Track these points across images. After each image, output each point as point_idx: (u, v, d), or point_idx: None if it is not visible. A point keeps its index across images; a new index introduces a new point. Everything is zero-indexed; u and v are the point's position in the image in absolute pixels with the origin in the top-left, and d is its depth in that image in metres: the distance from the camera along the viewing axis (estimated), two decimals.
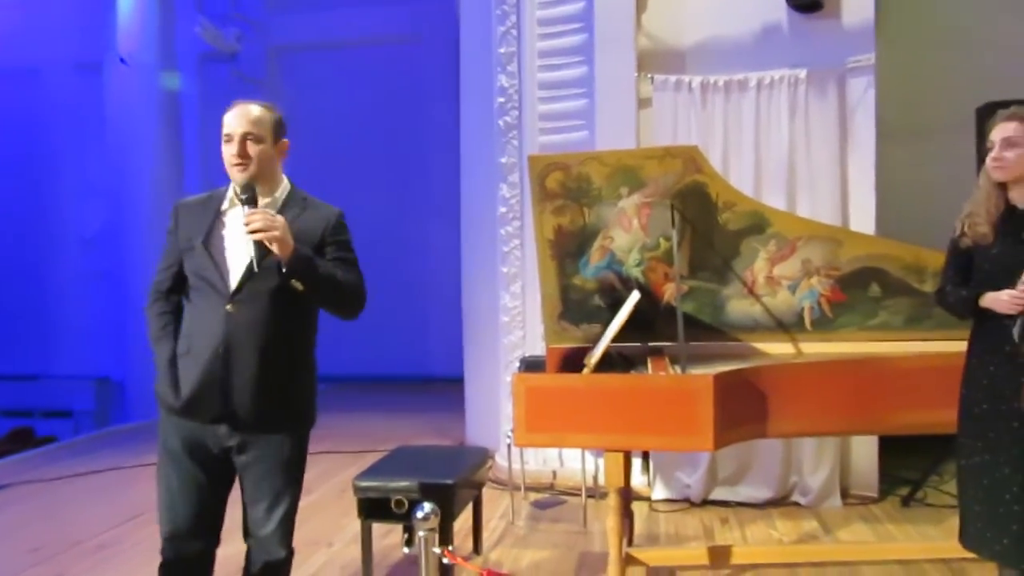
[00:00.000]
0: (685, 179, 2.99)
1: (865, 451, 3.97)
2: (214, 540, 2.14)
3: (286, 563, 2.13)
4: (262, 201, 2.03)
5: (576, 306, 3.18)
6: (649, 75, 4.06)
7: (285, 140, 2.12)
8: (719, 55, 4.05)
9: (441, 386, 7.70)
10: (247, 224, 1.92)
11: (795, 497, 3.96)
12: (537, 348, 4.19)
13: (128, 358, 8.03)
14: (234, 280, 2.02)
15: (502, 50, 4.50)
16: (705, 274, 3.11)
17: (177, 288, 2.13)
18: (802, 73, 3.87)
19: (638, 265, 3.12)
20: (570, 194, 3.07)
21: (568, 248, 3.13)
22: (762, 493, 3.96)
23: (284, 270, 1.95)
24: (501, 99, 4.51)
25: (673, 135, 3.98)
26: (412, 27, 8.90)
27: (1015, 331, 2.07)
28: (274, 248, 1.93)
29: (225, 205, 2.08)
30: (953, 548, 2.39)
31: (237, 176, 2.02)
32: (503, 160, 4.52)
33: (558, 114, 4.32)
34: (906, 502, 3.90)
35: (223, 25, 8.93)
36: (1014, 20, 4.80)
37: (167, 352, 2.08)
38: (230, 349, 2.00)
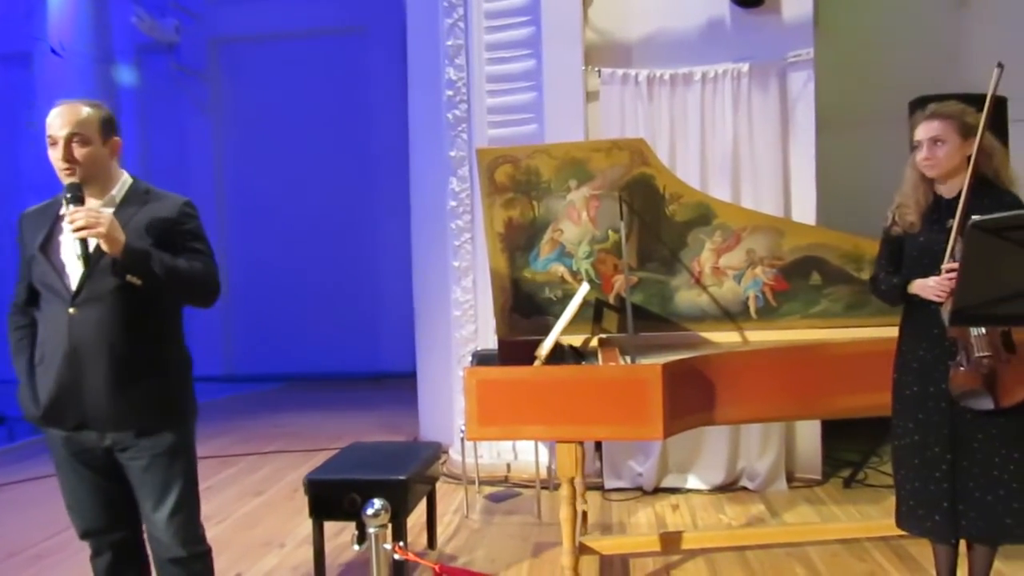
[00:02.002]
0: (632, 171, 3.03)
1: (809, 436, 4.09)
2: (133, 526, 2.14)
3: (193, 562, 2.09)
4: (96, 202, 2.00)
5: (527, 299, 3.19)
6: (596, 68, 4.09)
7: (116, 138, 2.06)
8: (665, 49, 4.11)
9: (393, 382, 7.65)
10: (71, 222, 1.88)
11: (743, 482, 4.06)
12: (490, 342, 4.19)
13: None
14: (74, 283, 1.98)
15: (449, 43, 4.48)
16: (653, 265, 3.16)
17: (32, 300, 2.09)
18: (745, 67, 3.95)
19: (588, 257, 3.15)
20: (519, 187, 3.08)
21: (518, 241, 3.14)
22: (711, 479, 4.04)
23: (115, 266, 1.92)
24: (449, 92, 4.48)
25: (621, 128, 4.01)
26: (358, 19, 8.77)
27: (944, 315, 2.15)
28: (103, 245, 1.89)
29: (63, 210, 2.00)
30: (893, 527, 2.47)
31: (66, 180, 1.97)
32: (452, 154, 4.50)
33: (507, 107, 4.32)
34: (848, 484, 4.03)
35: (161, 16, 8.65)
36: (945, 15, 4.99)
37: (24, 365, 2.07)
38: (78, 352, 1.96)
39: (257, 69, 9.01)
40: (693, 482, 4.07)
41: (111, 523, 2.10)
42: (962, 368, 2.14)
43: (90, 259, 1.93)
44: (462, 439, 3.91)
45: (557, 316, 2.97)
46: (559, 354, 2.99)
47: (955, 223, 2.13)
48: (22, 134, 8.76)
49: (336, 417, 6.43)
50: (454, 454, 4.42)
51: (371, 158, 8.72)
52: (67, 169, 1.96)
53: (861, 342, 2.88)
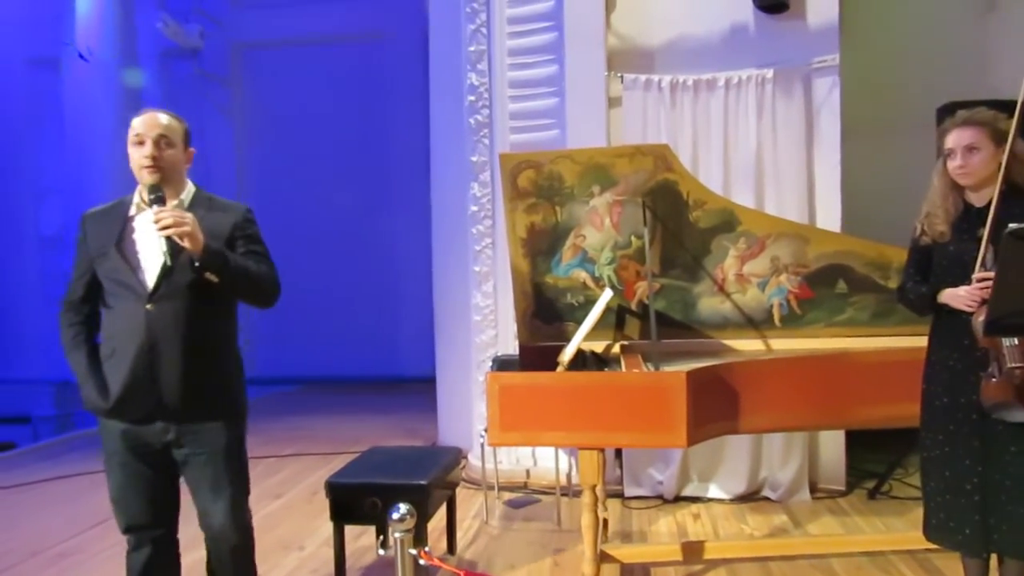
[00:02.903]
0: (656, 177, 3.01)
1: (832, 446, 4.04)
2: (172, 525, 2.23)
3: (244, 547, 2.22)
4: (169, 203, 2.10)
5: (549, 305, 3.18)
6: (619, 74, 4.07)
7: (192, 149, 2.21)
8: (688, 55, 4.09)
9: (413, 386, 7.66)
10: (157, 221, 1.98)
11: (765, 492, 4.01)
12: (509, 347, 4.19)
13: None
14: (150, 280, 2.08)
15: (472, 48, 4.49)
16: (676, 272, 3.14)
17: (89, 297, 2.20)
18: (769, 73, 3.92)
19: (610, 263, 3.14)
20: (542, 192, 3.07)
21: (540, 246, 3.13)
22: (733, 488, 4.00)
23: (196, 264, 2.01)
24: (471, 97, 4.49)
25: (643, 134, 4.00)
26: (380, 24, 8.82)
27: (975, 325, 2.12)
28: (185, 243, 1.99)
29: (133, 211, 2.14)
30: (918, 539, 2.44)
31: (147, 177, 2.08)
32: (474, 159, 4.51)
33: (529, 113, 4.32)
34: (872, 495, 3.97)
35: (185, 21, 8.77)
36: (973, 20, 4.92)
37: (84, 359, 2.16)
38: (154, 347, 2.06)
39: (279, 74, 9.10)
40: (714, 491, 4.03)
41: (153, 519, 2.18)
42: (994, 379, 2.10)
43: (174, 255, 2.02)
44: (482, 444, 3.90)
45: (579, 322, 2.96)
46: (581, 360, 2.98)
47: (986, 232, 2.10)
48: (49, 137, 8.91)
49: (355, 421, 6.45)
50: (473, 459, 4.41)
51: (392, 163, 8.76)
52: (151, 166, 2.07)
53: (887, 351, 2.84)
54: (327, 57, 8.91)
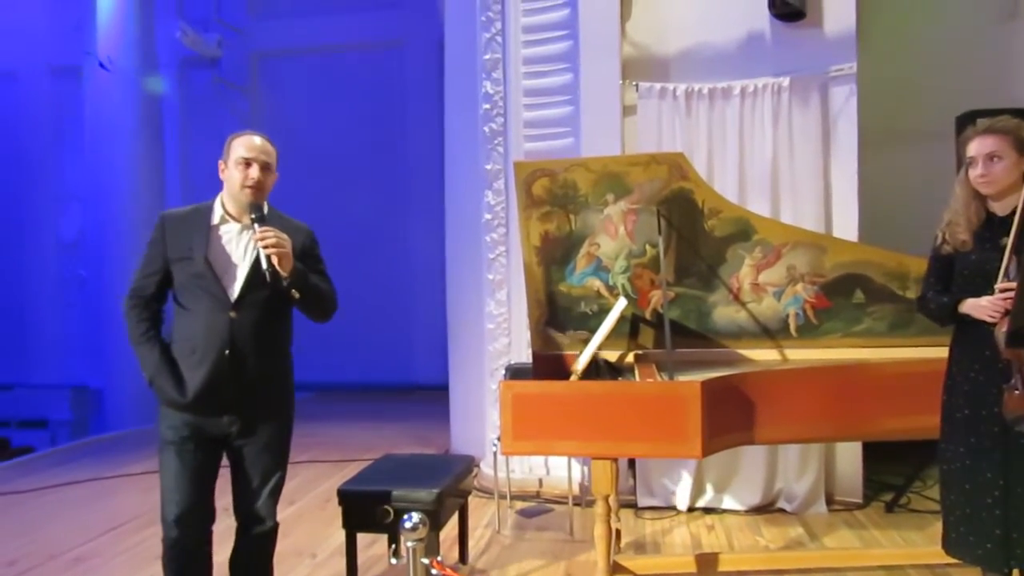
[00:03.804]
0: (671, 186, 3.00)
1: (849, 457, 3.99)
2: (212, 518, 2.38)
3: (274, 533, 2.44)
4: (246, 220, 2.29)
5: (563, 313, 3.18)
6: (634, 82, 4.07)
7: (277, 173, 2.42)
8: (703, 63, 4.07)
9: (425, 394, 7.66)
10: (261, 239, 2.18)
11: (780, 504, 3.97)
12: (522, 356, 4.18)
13: (107, 366, 7.89)
14: (235, 289, 2.28)
15: (487, 57, 4.50)
16: (691, 281, 3.12)
17: (160, 295, 2.34)
18: (785, 81, 3.89)
19: (624, 272, 3.13)
20: (556, 200, 3.07)
21: (554, 255, 3.13)
22: (748, 500, 3.96)
23: (286, 282, 2.22)
24: (486, 106, 4.50)
25: (658, 142, 3.98)
26: (395, 33, 8.88)
27: (997, 336, 2.09)
28: (279, 262, 2.19)
29: (215, 220, 2.32)
30: (937, 553, 2.40)
31: (249, 197, 2.27)
32: (488, 167, 4.51)
33: (543, 121, 4.32)
34: (890, 508, 3.92)
35: (204, 30, 8.87)
36: (994, 28, 4.87)
37: (156, 354, 2.29)
38: (235, 350, 2.26)
39: (297, 83, 9.18)
40: (729, 502, 3.99)
41: (201, 509, 2.33)
42: (1017, 391, 2.06)
43: (269, 271, 2.20)
44: (495, 453, 3.89)
45: (592, 331, 2.95)
46: (595, 369, 2.97)
47: (1010, 241, 2.07)
48: (69, 144, 9.02)
49: (368, 428, 6.46)
50: (486, 468, 4.40)
51: (407, 170, 8.80)
52: (255, 189, 2.28)
53: (905, 362, 2.81)
54: (344, 66, 8.98)
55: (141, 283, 2.33)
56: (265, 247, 2.17)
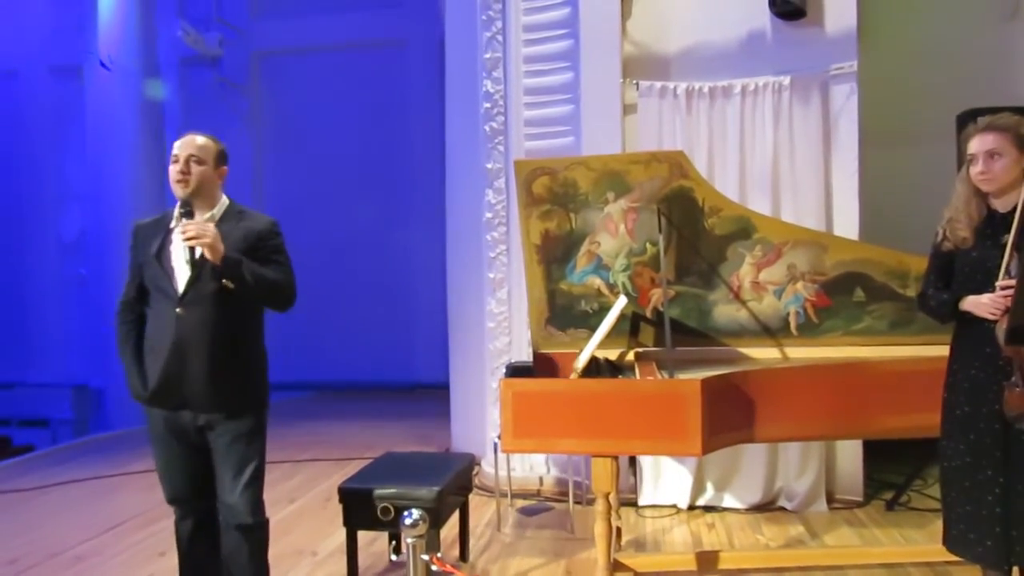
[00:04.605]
0: (671, 184, 3.01)
1: (850, 456, 3.99)
2: (211, 498, 2.44)
3: (257, 530, 2.43)
4: (201, 215, 2.37)
5: (563, 311, 3.18)
6: (634, 81, 4.07)
7: (224, 167, 2.46)
8: (703, 62, 4.07)
9: (426, 392, 7.66)
10: (183, 232, 2.26)
11: (781, 502, 3.97)
12: (523, 354, 4.18)
13: (107, 365, 7.88)
14: (181, 286, 2.35)
15: (487, 56, 4.50)
16: (691, 279, 3.12)
17: (140, 298, 2.46)
18: (786, 80, 3.89)
19: (625, 270, 3.13)
20: (557, 199, 3.07)
21: (555, 253, 3.13)
22: (748, 498, 3.96)
23: (214, 272, 2.27)
24: (487, 105, 4.50)
25: (658, 141, 3.99)
26: (396, 32, 8.88)
27: (998, 333, 2.09)
28: (206, 253, 2.25)
29: (173, 223, 2.41)
30: (937, 551, 2.40)
31: (179, 191, 2.36)
32: (489, 166, 4.51)
33: (544, 120, 4.32)
34: (890, 506, 3.92)
35: (205, 30, 8.86)
36: (995, 27, 4.87)
37: (131, 353, 2.44)
38: (182, 345, 2.32)
39: (297, 82, 9.17)
40: (729, 501, 3.99)
41: (194, 492, 2.45)
42: (1017, 389, 2.06)
43: (196, 264, 2.29)
44: (495, 451, 3.89)
45: (593, 329, 2.95)
46: (595, 367, 2.97)
47: (1011, 238, 2.07)
48: (70, 144, 9.03)
49: (369, 426, 6.46)
50: (486, 466, 4.40)
51: (408, 169, 8.80)
52: (182, 181, 2.34)
53: (906, 360, 2.81)
54: (345, 65, 8.98)
55: (125, 289, 2.49)
56: (187, 240, 2.24)
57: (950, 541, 2.27)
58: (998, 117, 2.22)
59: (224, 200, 2.47)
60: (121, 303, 2.49)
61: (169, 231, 2.41)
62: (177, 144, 2.40)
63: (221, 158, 2.45)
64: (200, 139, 2.40)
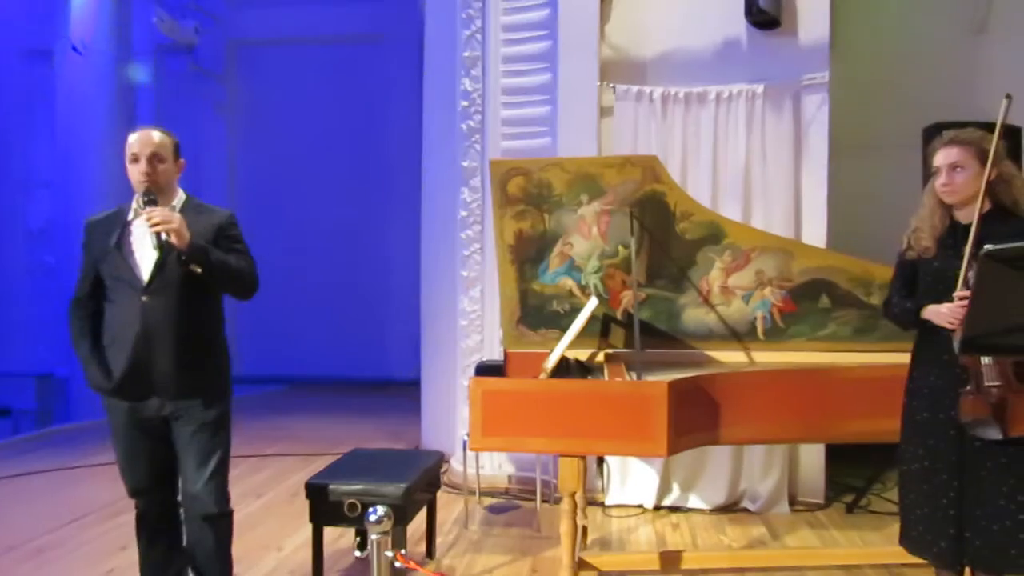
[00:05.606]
0: (644, 188, 3.04)
1: (813, 459, 4.06)
2: (172, 489, 2.49)
3: (222, 520, 2.44)
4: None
5: (535, 311, 3.20)
6: (611, 84, 4.10)
7: (182, 160, 2.49)
8: (680, 67, 4.12)
9: (397, 389, 7.64)
10: (149, 219, 2.26)
11: (744, 503, 4.03)
12: (495, 353, 4.19)
13: (73, 354, 7.75)
14: (146, 275, 2.36)
15: (466, 54, 4.50)
16: (662, 282, 3.16)
17: (93, 294, 2.46)
18: (759, 88, 3.95)
19: (597, 272, 3.16)
20: (531, 199, 3.09)
21: (528, 253, 3.15)
22: (713, 499, 4.02)
23: (182, 256, 2.29)
24: (464, 103, 4.50)
25: (633, 144, 4.02)
26: (375, 27, 8.82)
27: (955, 342, 2.15)
28: (172, 239, 2.25)
29: (131, 216, 2.43)
30: (893, 553, 2.47)
31: (142, 190, 2.36)
32: (465, 164, 4.52)
33: (521, 120, 4.34)
34: (850, 509, 4.00)
35: (181, 17, 8.73)
36: (963, 42, 4.98)
37: (87, 348, 2.44)
38: (149, 334, 2.34)
39: (274, 73, 9.08)
40: (694, 501, 4.04)
41: (156, 483, 2.47)
42: (972, 396, 2.13)
43: (163, 248, 2.29)
44: (464, 449, 3.90)
45: (564, 329, 2.97)
46: (565, 368, 2.99)
47: (967, 250, 2.13)
48: (39, 129, 8.84)
49: (338, 422, 6.43)
50: (455, 464, 4.41)
51: (384, 165, 8.76)
52: (147, 181, 2.35)
53: (869, 367, 2.87)
54: (322, 57, 8.90)
55: (79, 286, 2.49)
56: (153, 226, 2.24)
57: (907, 541, 2.33)
58: (963, 131, 2.29)
59: (181, 194, 2.49)
60: (74, 300, 2.49)
61: (128, 223, 2.41)
62: (134, 141, 2.38)
63: (178, 151, 2.47)
64: (157, 135, 2.40)
